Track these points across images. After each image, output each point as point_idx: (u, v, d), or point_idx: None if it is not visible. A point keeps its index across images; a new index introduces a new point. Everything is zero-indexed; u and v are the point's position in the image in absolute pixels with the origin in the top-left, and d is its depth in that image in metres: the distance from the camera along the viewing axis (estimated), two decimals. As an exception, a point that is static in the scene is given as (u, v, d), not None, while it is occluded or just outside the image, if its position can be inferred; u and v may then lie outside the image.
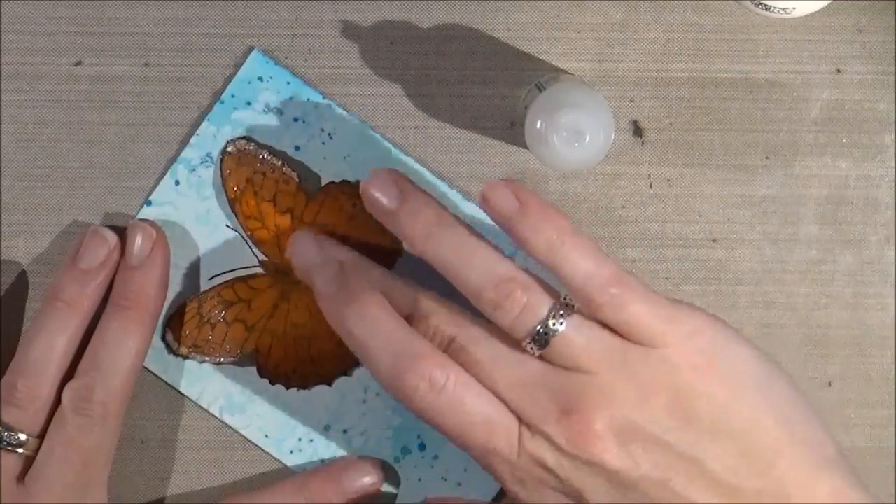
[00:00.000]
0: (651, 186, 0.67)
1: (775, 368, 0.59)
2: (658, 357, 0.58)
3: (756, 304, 0.67)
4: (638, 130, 0.66)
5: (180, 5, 0.66)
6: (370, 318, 0.60)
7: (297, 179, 0.66)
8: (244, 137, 0.66)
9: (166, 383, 0.67)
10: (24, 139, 0.67)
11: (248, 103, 0.66)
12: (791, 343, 0.67)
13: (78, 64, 0.66)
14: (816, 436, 0.58)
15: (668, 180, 0.67)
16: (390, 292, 0.61)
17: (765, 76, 0.66)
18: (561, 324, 0.58)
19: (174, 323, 0.66)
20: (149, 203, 0.66)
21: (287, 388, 0.66)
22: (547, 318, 0.58)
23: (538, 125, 0.59)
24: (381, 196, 0.60)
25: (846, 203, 0.67)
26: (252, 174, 0.65)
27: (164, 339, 0.66)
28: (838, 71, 0.66)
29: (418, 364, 0.58)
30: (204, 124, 0.66)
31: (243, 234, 0.66)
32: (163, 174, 0.66)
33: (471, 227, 0.60)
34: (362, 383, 0.66)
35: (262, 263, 0.66)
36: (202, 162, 0.66)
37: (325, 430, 0.66)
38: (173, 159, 0.66)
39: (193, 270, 0.66)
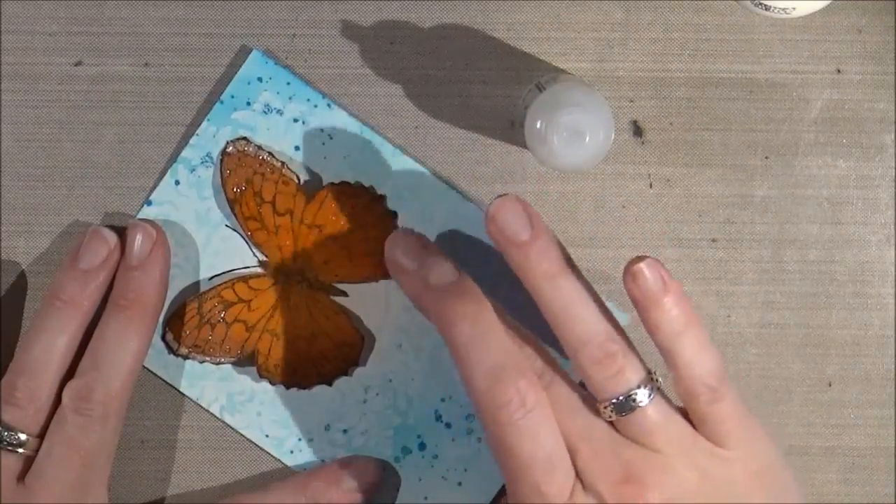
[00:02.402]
0: (651, 186, 0.67)
1: (804, 496, 0.62)
2: (723, 457, 0.60)
3: (756, 304, 0.67)
4: (638, 130, 0.66)
5: (180, 5, 0.66)
6: (485, 321, 0.60)
7: (296, 180, 0.66)
8: (244, 138, 0.66)
9: (166, 383, 0.67)
10: (24, 139, 0.67)
11: (248, 103, 0.66)
12: (791, 343, 0.67)
13: (78, 64, 0.66)
14: None
15: (668, 180, 0.67)
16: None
17: (765, 76, 0.66)
18: (648, 397, 0.59)
19: (174, 323, 0.66)
20: (149, 203, 0.66)
21: (287, 388, 0.66)
22: (636, 388, 0.59)
23: (538, 125, 0.59)
24: (511, 226, 0.60)
25: (846, 203, 0.67)
26: (252, 175, 0.65)
27: (164, 339, 0.66)
28: (838, 71, 0.66)
29: (518, 379, 0.59)
30: (204, 124, 0.66)
31: (243, 234, 0.66)
32: (163, 174, 0.66)
33: (586, 280, 0.60)
34: (362, 383, 0.66)
35: (262, 263, 0.66)
36: (202, 162, 0.66)
37: (326, 429, 0.66)
38: (173, 159, 0.66)
39: (193, 270, 0.66)
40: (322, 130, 0.66)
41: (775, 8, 0.58)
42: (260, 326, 0.66)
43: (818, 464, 0.67)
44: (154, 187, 0.66)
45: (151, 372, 0.66)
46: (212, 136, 0.66)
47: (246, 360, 0.66)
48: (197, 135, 0.66)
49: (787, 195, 0.67)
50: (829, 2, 0.58)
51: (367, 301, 0.66)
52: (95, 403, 0.62)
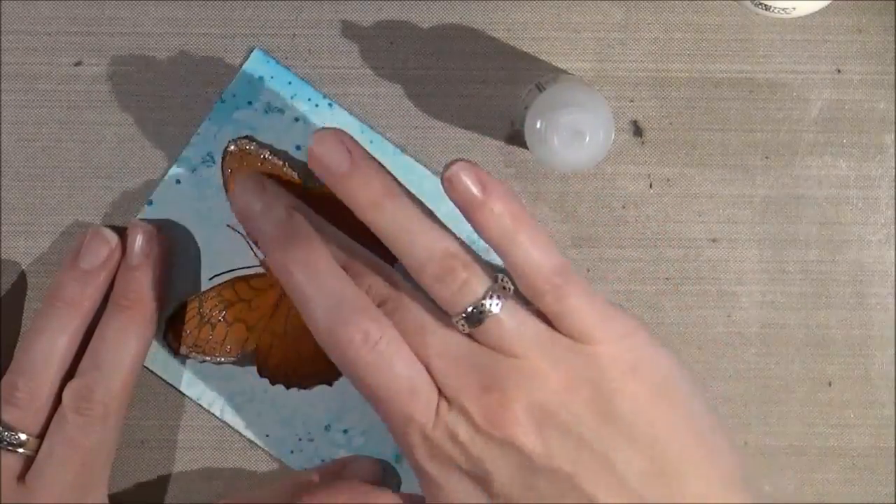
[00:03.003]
0: (651, 186, 0.67)
1: (695, 383, 0.59)
2: (586, 352, 0.58)
3: (756, 304, 0.67)
4: (638, 130, 0.66)
5: (180, 5, 0.66)
6: (314, 266, 0.59)
7: (297, 179, 0.66)
8: (246, 137, 0.66)
9: (167, 383, 0.67)
10: (24, 139, 0.66)
11: (250, 103, 0.66)
12: (791, 343, 0.67)
13: (78, 64, 0.66)
14: (729, 457, 0.58)
15: (668, 180, 0.67)
16: (329, 242, 0.61)
17: (765, 76, 0.66)
18: (496, 305, 0.58)
19: (175, 323, 0.66)
20: (150, 203, 0.66)
21: (287, 388, 0.66)
22: (483, 298, 0.58)
23: (538, 125, 0.59)
24: (330, 159, 0.59)
25: (846, 203, 0.67)
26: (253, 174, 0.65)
27: (164, 339, 0.66)
28: (838, 71, 0.66)
29: (356, 317, 0.58)
30: (205, 124, 0.66)
31: (244, 233, 0.66)
32: (164, 174, 0.66)
33: (418, 199, 0.60)
34: None
35: (262, 263, 0.66)
36: (203, 161, 0.66)
37: (326, 429, 0.66)
38: (174, 159, 0.66)
39: (194, 270, 0.66)
40: None
41: (775, 8, 0.58)
42: (260, 326, 0.66)
43: (818, 464, 0.67)
44: (155, 187, 0.66)
45: (152, 372, 0.66)
46: (213, 136, 0.66)
47: (246, 360, 0.66)
48: (198, 134, 0.66)
49: (787, 195, 0.67)
50: (829, 2, 0.58)
51: None
52: (96, 403, 0.62)
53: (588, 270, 0.66)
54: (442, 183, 0.58)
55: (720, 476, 0.57)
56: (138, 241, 0.64)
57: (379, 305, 0.60)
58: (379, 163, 0.60)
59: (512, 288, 0.59)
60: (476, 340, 0.59)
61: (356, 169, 0.59)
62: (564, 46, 0.66)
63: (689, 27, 0.66)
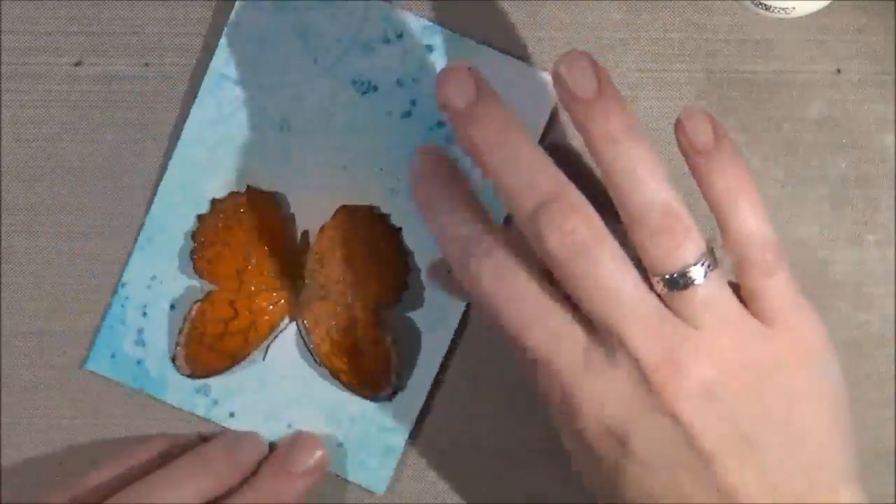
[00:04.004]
0: (651, 186, 0.66)
1: (846, 388, 0.58)
2: (769, 336, 0.56)
3: (756, 304, 0.67)
4: (638, 130, 0.66)
5: (180, 5, 0.66)
6: (513, 150, 0.56)
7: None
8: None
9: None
10: (24, 139, 0.67)
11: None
12: (791, 343, 0.67)
13: (78, 64, 0.66)
14: (854, 458, 0.58)
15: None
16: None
17: (765, 76, 0.66)
18: (703, 276, 0.55)
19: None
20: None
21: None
22: (692, 265, 0.56)
23: None
24: (576, 82, 0.56)
25: (846, 203, 0.67)
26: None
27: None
28: (838, 71, 0.66)
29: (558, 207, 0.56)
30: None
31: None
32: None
33: (653, 145, 0.56)
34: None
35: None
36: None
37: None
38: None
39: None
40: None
41: (775, 8, 0.58)
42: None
43: (818, 464, 0.67)
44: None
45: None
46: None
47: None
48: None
49: (787, 195, 0.67)
50: (829, 2, 0.58)
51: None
52: None
53: (588, 270, 0.66)
54: (676, 126, 0.56)
55: (846, 475, 0.57)
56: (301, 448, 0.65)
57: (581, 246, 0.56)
58: (623, 98, 0.57)
59: (715, 257, 0.56)
60: (663, 299, 0.56)
61: (601, 97, 0.56)
62: (564, 46, 0.66)
63: (689, 27, 0.66)
